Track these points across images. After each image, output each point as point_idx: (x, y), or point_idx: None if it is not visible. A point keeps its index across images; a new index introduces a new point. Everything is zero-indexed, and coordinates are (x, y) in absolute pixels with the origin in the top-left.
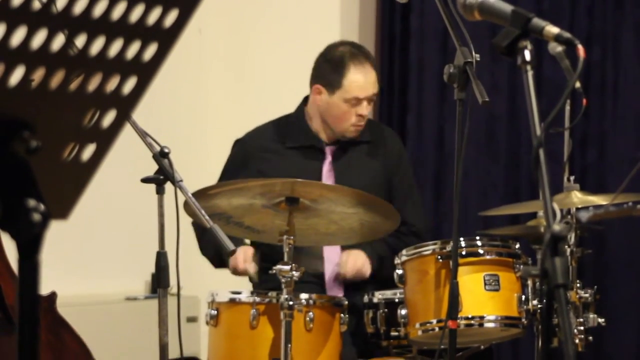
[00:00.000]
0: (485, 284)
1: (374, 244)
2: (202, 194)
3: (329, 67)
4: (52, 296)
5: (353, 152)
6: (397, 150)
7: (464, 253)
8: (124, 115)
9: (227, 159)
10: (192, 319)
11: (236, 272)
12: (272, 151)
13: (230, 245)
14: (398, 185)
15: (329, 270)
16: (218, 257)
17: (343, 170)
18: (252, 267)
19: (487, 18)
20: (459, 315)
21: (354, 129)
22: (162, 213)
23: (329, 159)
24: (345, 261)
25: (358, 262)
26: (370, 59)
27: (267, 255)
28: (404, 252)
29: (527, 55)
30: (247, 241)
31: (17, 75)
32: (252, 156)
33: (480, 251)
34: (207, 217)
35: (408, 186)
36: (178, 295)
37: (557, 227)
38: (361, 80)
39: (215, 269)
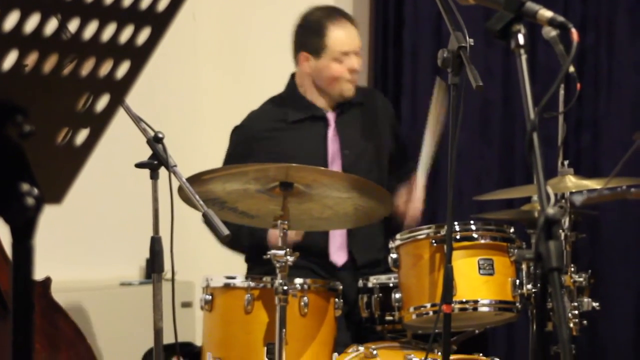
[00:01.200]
0: (479, 268)
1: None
2: (196, 179)
3: (309, 33)
4: (47, 281)
5: (352, 115)
6: (391, 110)
7: (458, 237)
8: (117, 100)
9: (228, 147)
10: (186, 304)
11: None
12: (277, 129)
13: (224, 230)
14: (401, 144)
15: (339, 260)
16: (254, 247)
17: (347, 134)
18: (295, 234)
19: (481, 2)
20: (453, 300)
21: (350, 85)
22: (157, 198)
23: (332, 124)
24: (403, 196)
25: (417, 196)
26: (347, 16)
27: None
28: (398, 236)
29: (521, 38)
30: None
31: (10, 59)
32: (256, 140)
33: (475, 235)
34: (201, 203)
35: (405, 142)
36: (172, 280)
37: (551, 211)
38: (343, 35)
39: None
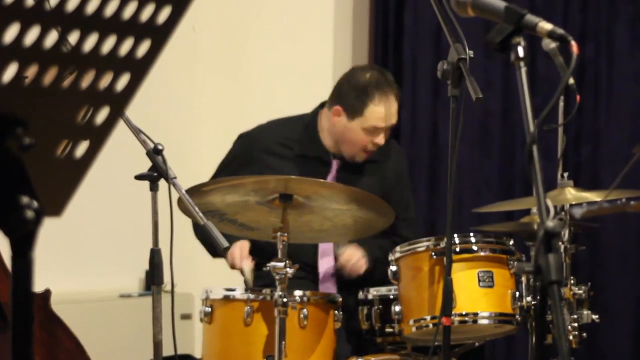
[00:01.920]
0: (479, 281)
1: (370, 243)
2: (196, 191)
3: (352, 92)
4: (46, 293)
5: (358, 169)
6: (400, 167)
7: (457, 250)
8: (117, 112)
9: (229, 151)
10: (186, 316)
11: (234, 267)
12: (278, 155)
13: (224, 242)
14: (396, 200)
15: (322, 267)
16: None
17: (346, 184)
18: (247, 265)
19: (480, 14)
20: (452, 312)
21: (365, 155)
22: (156, 210)
23: (333, 172)
24: (342, 253)
25: (354, 256)
26: (395, 89)
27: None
28: (397, 248)
29: (521, 51)
30: None
31: (10, 72)
32: (257, 156)
33: (474, 248)
34: (200, 214)
35: (406, 202)
36: (172, 292)
37: (550, 224)
38: (383, 112)
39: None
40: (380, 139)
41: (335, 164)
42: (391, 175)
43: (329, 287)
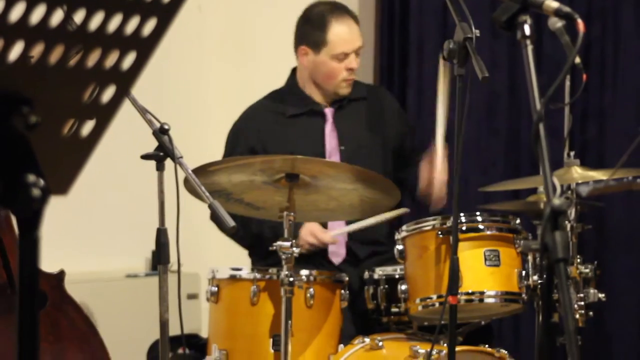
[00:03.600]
0: (485, 260)
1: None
2: (202, 171)
3: (310, 27)
4: (61, 274)
5: (352, 110)
6: (396, 105)
7: (464, 228)
8: (123, 91)
9: (226, 142)
10: (192, 296)
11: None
12: (273, 124)
13: (230, 221)
14: (410, 135)
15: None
16: (258, 240)
17: (345, 130)
18: (329, 236)
19: None
20: (459, 291)
21: (345, 84)
22: (162, 190)
23: (330, 120)
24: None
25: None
26: (351, 13)
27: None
28: (404, 227)
29: (527, 29)
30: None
31: (16, 50)
32: (253, 134)
33: (481, 227)
34: (207, 194)
35: (414, 139)
36: (178, 272)
37: (557, 202)
38: (345, 33)
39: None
40: (352, 63)
41: (329, 112)
42: (397, 119)
43: (338, 253)
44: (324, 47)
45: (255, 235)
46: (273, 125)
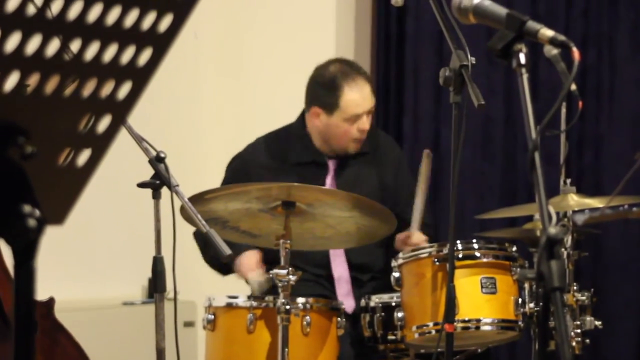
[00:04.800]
0: (482, 287)
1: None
2: (198, 199)
3: (323, 90)
4: (50, 302)
5: (354, 165)
6: (396, 157)
7: (460, 256)
8: (119, 120)
9: (225, 174)
10: (189, 324)
11: (246, 281)
12: (274, 169)
13: (226, 249)
14: (401, 191)
15: (336, 269)
16: (225, 265)
17: (345, 184)
18: (254, 276)
19: (482, 21)
20: (455, 318)
21: (356, 144)
22: (159, 218)
23: (331, 173)
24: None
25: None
26: (362, 73)
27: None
28: (400, 255)
29: (522, 58)
30: None
31: (12, 80)
32: (254, 174)
33: (477, 254)
34: (203, 222)
35: (410, 190)
36: (175, 300)
37: (553, 230)
38: (358, 97)
39: (223, 277)
40: (364, 124)
41: (331, 165)
42: (389, 167)
43: (345, 288)
44: (337, 111)
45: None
46: (274, 169)
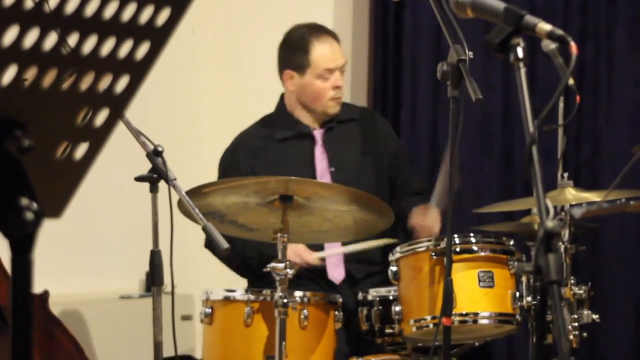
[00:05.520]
0: (479, 281)
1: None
2: (196, 193)
3: (292, 50)
4: (45, 295)
5: (342, 132)
6: (385, 126)
7: (458, 250)
8: (116, 114)
9: (219, 170)
10: (186, 317)
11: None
12: (264, 148)
13: (224, 243)
14: (402, 166)
15: (330, 261)
16: (243, 261)
17: (335, 151)
18: (315, 257)
19: (480, 15)
20: (453, 312)
21: (333, 102)
22: (156, 212)
23: (319, 142)
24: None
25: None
26: (330, 33)
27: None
28: (397, 249)
29: (520, 52)
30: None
31: (9, 74)
32: (243, 160)
33: (474, 248)
34: (201, 216)
35: (408, 164)
36: (172, 293)
37: (550, 224)
38: (327, 51)
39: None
40: (338, 81)
41: (318, 134)
42: (389, 143)
43: (335, 258)
44: (308, 68)
45: (241, 255)
46: (263, 150)
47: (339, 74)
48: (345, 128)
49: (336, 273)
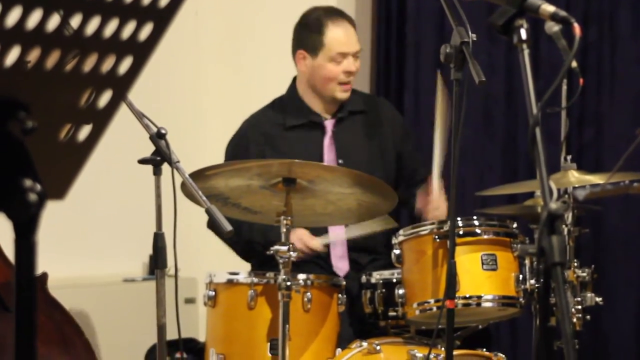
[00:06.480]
0: (482, 264)
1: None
2: (199, 175)
3: (307, 31)
4: (43, 277)
5: (352, 124)
6: (397, 118)
7: (461, 233)
8: (120, 96)
9: (226, 151)
10: (190, 300)
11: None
12: (273, 135)
13: (227, 226)
14: (410, 152)
15: (334, 246)
16: (249, 245)
17: (344, 142)
18: (318, 243)
19: None
20: (456, 295)
21: (342, 88)
22: (160, 194)
23: (329, 133)
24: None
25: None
26: (347, 17)
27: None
28: (401, 232)
29: (523, 33)
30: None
31: (12, 55)
32: (253, 144)
33: (478, 231)
34: (204, 198)
35: (414, 151)
36: (176, 276)
37: (554, 206)
38: (342, 35)
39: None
40: (350, 66)
41: (329, 125)
42: (395, 129)
43: (340, 250)
44: (321, 50)
45: (247, 239)
46: (273, 136)
47: (352, 59)
48: (355, 119)
49: (340, 265)
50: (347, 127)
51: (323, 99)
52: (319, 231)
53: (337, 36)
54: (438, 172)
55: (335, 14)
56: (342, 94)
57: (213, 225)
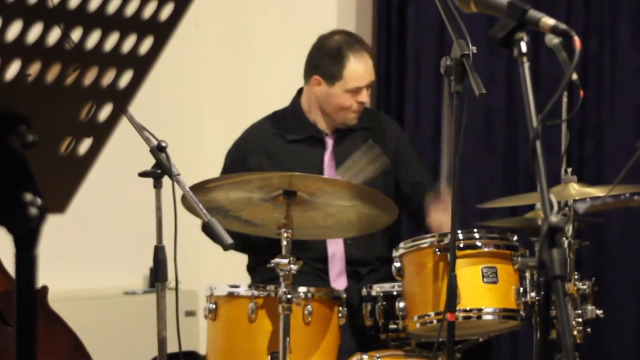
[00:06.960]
0: (483, 276)
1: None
2: (199, 188)
3: (327, 59)
4: (43, 290)
5: (353, 140)
6: (397, 135)
7: (461, 245)
8: (120, 109)
9: (224, 162)
10: (190, 313)
11: None
12: (273, 147)
13: (228, 239)
14: (408, 168)
15: (332, 263)
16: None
17: (344, 158)
18: None
19: (483, 10)
20: (457, 308)
21: (354, 115)
22: (160, 207)
23: (329, 148)
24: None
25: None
26: (366, 47)
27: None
28: (401, 244)
29: (524, 46)
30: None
31: (13, 69)
32: (252, 156)
33: (478, 243)
34: (204, 211)
35: (416, 164)
36: (176, 289)
37: (554, 219)
38: (361, 69)
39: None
40: (364, 97)
41: (329, 141)
42: (391, 145)
43: (339, 266)
44: (339, 81)
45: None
46: (272, 148)
47: (366, 90)
48: (357, 135)
49: (339, 282)
50: (348, 143)
51: (331, 120)
52: (319, 243)
53: (357, 70)
54: (446, 178)
55: (355, 43)
56: (353, 121)
57: (207, 230)
